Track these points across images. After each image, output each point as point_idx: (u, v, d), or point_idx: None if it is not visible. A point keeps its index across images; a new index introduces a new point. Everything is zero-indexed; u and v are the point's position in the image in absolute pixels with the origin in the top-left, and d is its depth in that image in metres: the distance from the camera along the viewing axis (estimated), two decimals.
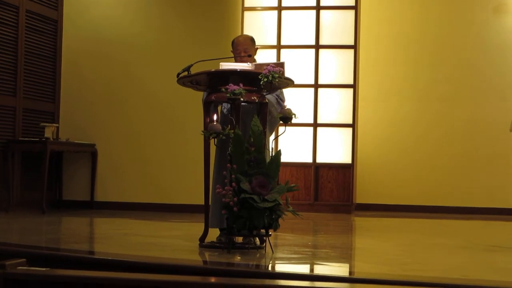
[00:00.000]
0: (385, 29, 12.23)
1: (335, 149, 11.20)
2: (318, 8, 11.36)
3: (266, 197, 5.51)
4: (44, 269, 3.92)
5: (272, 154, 5.74)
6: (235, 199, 5.49)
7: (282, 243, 6.80)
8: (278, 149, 5.87)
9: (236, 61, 6.47)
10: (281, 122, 6.02)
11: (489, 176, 11.73)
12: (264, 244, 5.87)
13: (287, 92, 6.74)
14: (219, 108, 6.51)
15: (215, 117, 5.88)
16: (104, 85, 10.70)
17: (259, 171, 5.59)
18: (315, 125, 11.24)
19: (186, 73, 6.21)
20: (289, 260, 5.68)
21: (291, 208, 5.68)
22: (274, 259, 5.60)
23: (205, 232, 6.10)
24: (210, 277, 4.28)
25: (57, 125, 10.30)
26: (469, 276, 4.99)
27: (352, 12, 11.28)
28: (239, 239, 6.21)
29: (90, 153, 10.61)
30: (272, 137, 6.43)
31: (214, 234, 6.28)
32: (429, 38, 12.10)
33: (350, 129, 11.17)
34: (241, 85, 5.71)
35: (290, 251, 6.20)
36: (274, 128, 6.56)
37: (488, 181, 11.72)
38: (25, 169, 10.03)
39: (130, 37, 10.69)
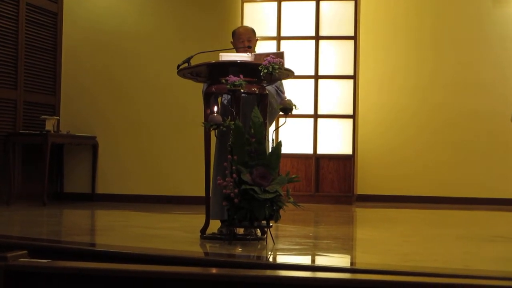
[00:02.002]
0: (385, 20, 12.22)
1: (335, 140, 11.20)
2: None
3: (267, 188, 5.51)
4: (45, 261, 3.93)
5: (272, 145, 5.73)
6: (236, 190, 5.48)
7: (283, 234, 6.80)
8: (279, 140, 5.85)
9: (238, 51, 6.45)
10: (281, 113, 6.01)
11: (491, 166, 11.73)
12: (265, 235, 5.87)
13: (287, 83, 6.73)
14: (219, 99, 6.50)
15: (215, 108, 5.87)
16: (104, 77, 10.69)
17: (260, 162, 5.58)
18: (316, 116, 11.24)
19: (186, 64, 6.20)
20: (290, 251, 5.69)
21: (292, 199, 5.67)
22: (275, 250, 5.61)
23: (206, 224, 6.10)
24: (211, 268, 4.28)
25: (57, 117, 10.30)
26: (471, 266, 5.00)
27: (352, 3, 11.26)
28: (240, 231, 6.21)
29: (91, 145, 10.61)
30: (272, 128, 6.42)
31: (215, 225, 6.29)
32: (429, 28, 12.09)
33: (350, 120, 11.16)
34: (241, 76, 5.70)
35: (291, 242, 6.20)
36: (273, 119, 6.57)
37: (490, 171, 11.72)
38: (26, 162, 10.04)
39: (130, 29, 10.68)
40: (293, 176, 5.76)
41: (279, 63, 5.75)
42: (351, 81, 11.21)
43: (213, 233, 6.13)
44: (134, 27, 10.68)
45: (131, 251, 5.35)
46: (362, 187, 11.81)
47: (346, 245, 6.41)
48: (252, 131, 5.60)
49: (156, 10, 10.69)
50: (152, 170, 10.48)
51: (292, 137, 11.05)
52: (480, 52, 11.93)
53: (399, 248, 5.98)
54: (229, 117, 5.77)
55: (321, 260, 5.44)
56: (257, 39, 6.66)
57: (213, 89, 6.05)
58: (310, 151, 11.21)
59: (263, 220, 5.61)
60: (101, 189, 10.60)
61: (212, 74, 6.07)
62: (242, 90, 5.78)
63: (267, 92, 6.12)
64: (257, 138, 5.59)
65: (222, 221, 6.29)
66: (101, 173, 10.62)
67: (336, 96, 11.25)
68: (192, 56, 6.28)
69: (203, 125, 5.87)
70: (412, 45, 12.13)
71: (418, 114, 12.05)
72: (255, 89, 6.00)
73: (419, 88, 12.07)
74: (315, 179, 11.12)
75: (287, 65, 6.03)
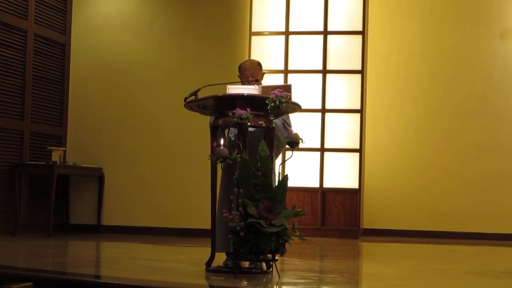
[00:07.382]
0: (392, 54, 12.25)
1: (342, 173, 11.18)
2: (325, 33, 11.37)
3: (273, 222, 5.49)
4: None
5: (279, 178, 5.72)
6: (242, 223, 5.47)
7: (288, 268, 6.77)
8: (285, 173, 5.83)
9: (243, 85, 6.45)
10: (287, 146, 6.00)
11: (498, 201, 11.69)
12: (271, 269, 5.85)
13: (294, 116, 6.73)
14: (226, 132, 6.50)
15: (222, 141, 5.86)
16: (111, 109, 10.72)
17: (266, 195, 5.58)
18: (322, 149, 11.23)
19: (193, 97, 6.22)
20: (296, 285, 5.66)
21: (298, 233, 5.66)
22: (281, 284, 5.58)
23: (212, 257, 6.09)
24: None
25: (64, 149, 10.31)
26: None
27: (360, 37, 11.29)
28: (246, 264, 6.19)
29: (97, 177, 10.61)
30: (279, 161, 6.41)
31: (220, 258, 6.27)
32: (437, 64, 12.11)
33: (357, 154, 11.15)
34: (248, 109, 5.70)
35: (296, 276, 6.17)
36: (280, 152, 6.56)
37: (497, 206, 11.67)
38: (32, 193, 10.04)
39: (137, 62, 10.72)
40: (299, 210, 5.75)
41: (286, 97, 5.75)
42: (358, 115, 11.20)
43: (219, 266, 6.11)
44: (141, 60, 10.72)
45: (137, 283, 5.33)
46: (368, 221, 11.77)
47: (351, 280, 6.38)
48: (259, 164, 5.60)
49: (163, 44, 10.74)
50: (158, 202, 10.48)
51: (298, 170, 11.03)
52: (488, 85, 11.94)
53: (405, 283, 5.94)
54: (236, 150, 5.76)
55: None
56: (264, 73, 6.66)
57: (220, 122, 6.06)
58: (317, 185, 11.18)
59: (269, 253, 5.59)
60: (106, 220, 10.59)
61: (219, 107, 6.08)
62: (249, 124, 5.78)
63: (274, 125, 6.12)
64: (263, 171, 5.59)
65: (227, 254, 6.28)
66: (106, 205, 10.62)
67: (343, 130, 11.24)
68: (199, 89, 6.30)
69: (209, 158, 5.87)
70: (419, 79, 12.15)
71: (425, 148, 12.04)
72: (262, 122, 6.00)
73: (425, 122, 12.07)
74: (321, 213, 11.09)
75: (294, 98, 6.03)
